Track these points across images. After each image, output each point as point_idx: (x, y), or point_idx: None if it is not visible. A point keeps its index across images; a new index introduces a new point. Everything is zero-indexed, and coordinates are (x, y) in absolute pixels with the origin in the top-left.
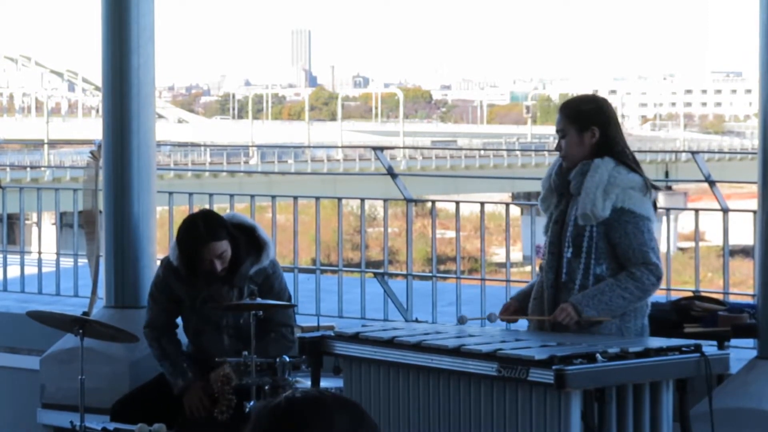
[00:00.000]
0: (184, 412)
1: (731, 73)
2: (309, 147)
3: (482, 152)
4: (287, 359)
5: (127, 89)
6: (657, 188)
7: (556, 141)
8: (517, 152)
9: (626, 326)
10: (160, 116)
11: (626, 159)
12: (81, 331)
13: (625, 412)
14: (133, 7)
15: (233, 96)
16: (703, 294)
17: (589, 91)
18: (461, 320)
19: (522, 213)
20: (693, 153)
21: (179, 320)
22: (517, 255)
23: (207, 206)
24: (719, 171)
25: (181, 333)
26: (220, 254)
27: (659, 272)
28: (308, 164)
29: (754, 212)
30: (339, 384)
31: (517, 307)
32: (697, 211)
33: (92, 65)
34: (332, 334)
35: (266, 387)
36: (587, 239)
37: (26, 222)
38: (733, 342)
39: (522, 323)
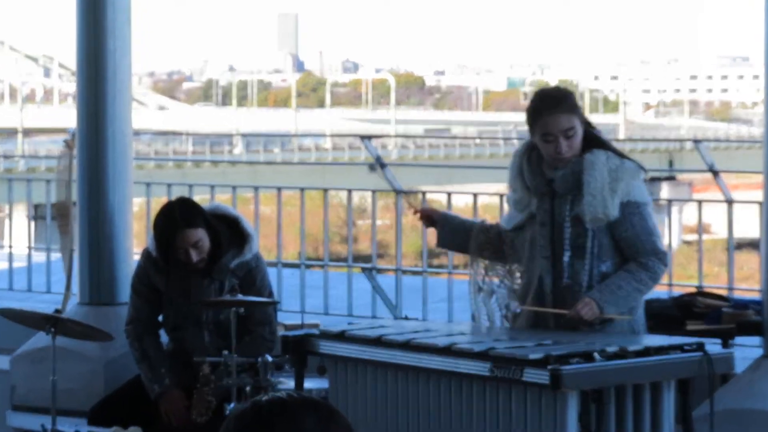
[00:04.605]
0: (162, 417)
1: (738, 57)
2: (296, 135)
3: (478, 141)
4: (269, 359)
5: (102, 74)
6: (644, 169)
7: (556, 143)
8: (515, 141)
9: (636, 319)
10: (140, 103)
11: (608, 145)
12: (53, 329)
13: (624, 413)
14: None
15: (217, 82)
16: (706, 290)
17: (590, 78)
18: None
19: None
20: (696, 141)
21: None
22: None
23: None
24: (726, 160)
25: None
26: (195, 243)
27: (667, 260)
28: (295, 153)
29: (761, 203)
30: (324, 385)
31: (443, 228)
32: (700, 202)
33: (68, 50)
34: (317, 332)
35: (247, 388)
36: (590, 239)
37: None
38: (738, 340)
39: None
